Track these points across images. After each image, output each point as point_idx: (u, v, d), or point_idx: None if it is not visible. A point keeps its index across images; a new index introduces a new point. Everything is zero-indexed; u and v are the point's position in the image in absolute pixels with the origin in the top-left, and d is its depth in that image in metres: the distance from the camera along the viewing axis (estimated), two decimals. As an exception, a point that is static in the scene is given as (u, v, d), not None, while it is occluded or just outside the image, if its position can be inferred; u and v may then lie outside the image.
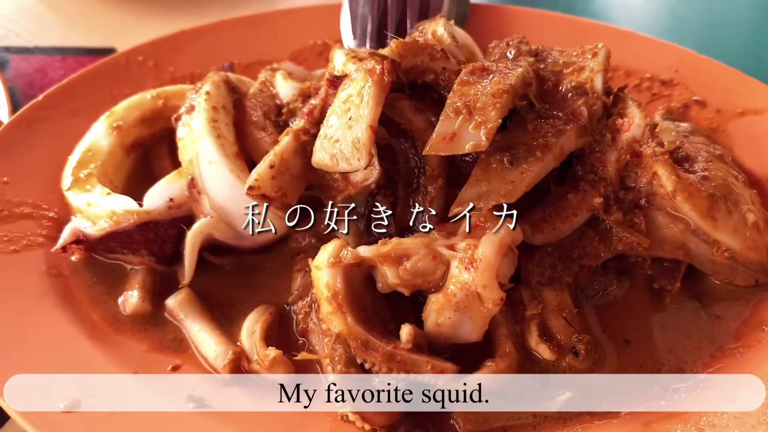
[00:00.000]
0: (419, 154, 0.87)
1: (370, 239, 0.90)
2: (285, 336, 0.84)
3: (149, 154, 1.01)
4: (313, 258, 0.82)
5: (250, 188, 0.83)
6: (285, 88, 0.96)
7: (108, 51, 1.31)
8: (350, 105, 0.80)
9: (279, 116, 0.95)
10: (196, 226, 0.85)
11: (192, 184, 0.87)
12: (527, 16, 1.19)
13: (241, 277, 0.90)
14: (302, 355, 0.77)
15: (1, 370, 0.75)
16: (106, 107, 1.04)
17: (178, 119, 0.91)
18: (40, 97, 1.04)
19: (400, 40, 0.84)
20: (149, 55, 1.12)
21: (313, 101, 0.91)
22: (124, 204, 0.86)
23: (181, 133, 0.89)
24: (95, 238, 0.86)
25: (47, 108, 1.04)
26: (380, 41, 1.11)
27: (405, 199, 0.89)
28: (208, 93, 0.90)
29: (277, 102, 0.96)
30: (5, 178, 0.95)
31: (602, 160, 0.86)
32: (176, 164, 0.96)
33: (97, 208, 0.87)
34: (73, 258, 0.89)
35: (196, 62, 1.13)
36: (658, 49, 1.11)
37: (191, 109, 0.89)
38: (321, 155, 0.82)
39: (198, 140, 0.87)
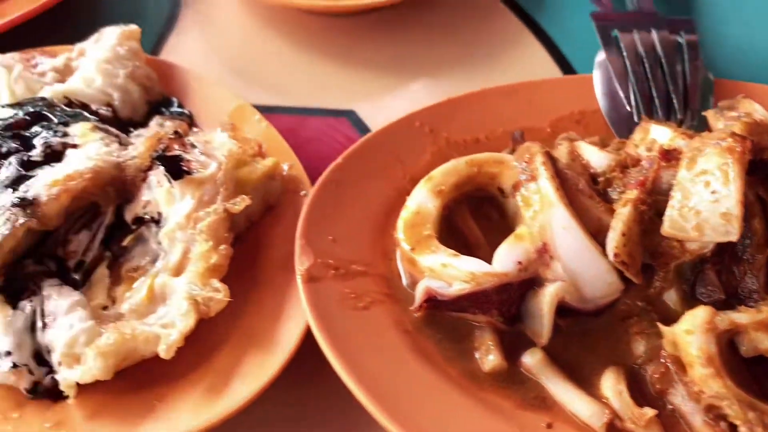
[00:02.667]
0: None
1: (693, 303, 0.96)
2: (637, 396, 0.89)
3: (453, 215, 1.06)
4: (644, 321, 0.89)
5: (615, 255, 0.89)
6: (598, 158, 1.03)
7: (348, 113, 1.38)
8: (709, 179, 0.87)
9: (595, 185, 1.01)
10: (552, 290, 0.90)
11: (544, 248, 0.92)
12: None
13: (577, 338, 0.95)
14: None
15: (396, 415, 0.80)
16: (396, 170, 1.11)
17: (517, 186, 0.97)
18: (340, 159, 1.10)
19: (747, 120, 0.92)
20: (425, 121, 1.18)
21: (636, 171, 0.97)
22: (480, 266, 0.91)
23: (527, 200, 0.95)
24: (450, 298, 0.91)
25: (346, 170, 1.09)
26: (647, 113, 1.18)
27: (729, 267, 0.95)
28: (544, 162, 0.96)
29: (590, 171, 1.03)
30: (331, 237, 1.01)
31: None
32: (480, 225, 1.03)
33: (454, 270, 0.92)
34: (415, 315, 0.94)
35: (466, 128, 1.20)
36: None
37: (533, 177, 0.95)
38: (680, 225, 0.88)
39: (549, 207, 0.93)
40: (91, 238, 0.99)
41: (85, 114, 1.15)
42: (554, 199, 0.93)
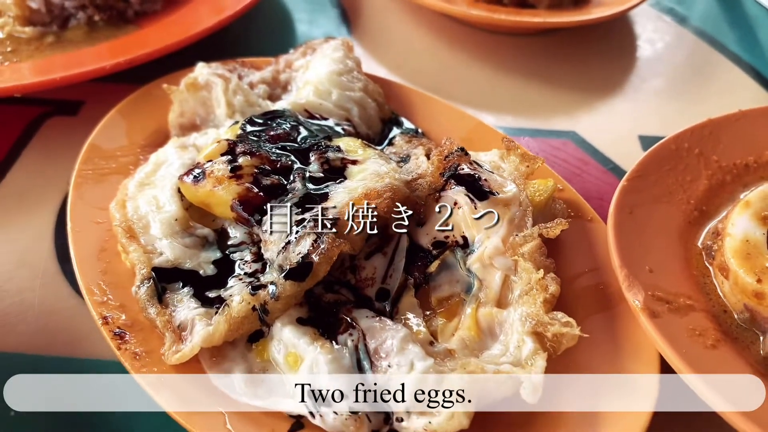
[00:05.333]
0: None
1: None
2: None
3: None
4: None
5: None
6: None
7: (569, 133, 1.29)
8: None
9: None
10: None
11: None
12: None
13: None
14: None
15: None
16: (678, 194, 1.02)
17: None
18: (624, 182, 1.00)
19: None
20: (692, 143, 1.09)
21: None
22: None
23: None
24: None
25: (633, 193, 1.00)
26: None
27: None
28: None
29: None
30: (648, 267, 0.90)
31: None
32: None
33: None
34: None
35: (733, 151, 1.11)
36: None
37: None
38: None
39: None
40: (388, 263, 0.88)
41: (336, 129, 1.05)
42: None
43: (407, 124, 1.16)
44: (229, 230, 0.93)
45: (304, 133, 0.99)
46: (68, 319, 0.95)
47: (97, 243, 0.94)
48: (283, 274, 0.80)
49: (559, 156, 1.24)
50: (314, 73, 1.15)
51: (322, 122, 1.06)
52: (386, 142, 1.11)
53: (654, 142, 1.15)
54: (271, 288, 0.79)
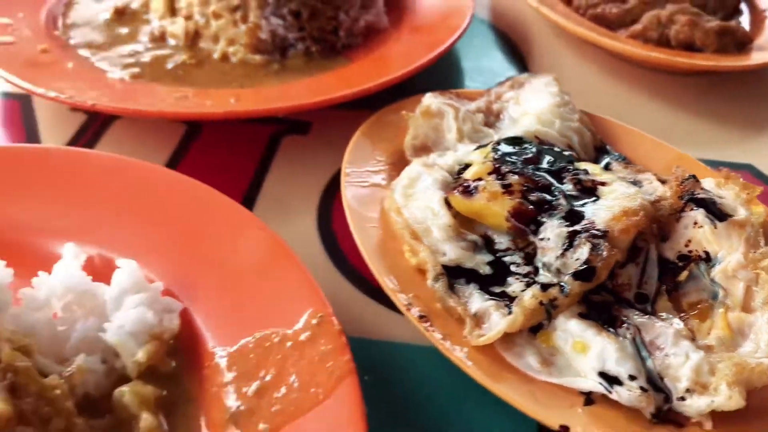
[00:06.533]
0: None
1: None
2: None
3: None
4: None
5: None
6: None
7: (746, 166, 1.44)
8: None
9: None
10: None
11: None
12: None
13: None
14: None
15: None
16: None
17: None
18: None
19: None
20: None
21: None
22: None
23: None
24: None
25: None
26: None
27: None
28: None
29: None
30: None
31: None
32: None
33: None
34: None
35: None
36: None
37: None
38: None
39: None
40: (641, 272, 1.03)
41: (566, 154, 1.21)
42: None
43: (612, 152, 1.32)
44: (493, 237, 1.09)
45: (548, 157, 1.15)
46: (357, 308, 1.12)
47: (378, 244, 1.11)
48: (571, 275, 0.95)
49: (740, 186, 1.38)
50: (533, 105, 1.32)
51: (552, 148, 1.22)
52: (602, 166, 1.27)
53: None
54: (564, 286, 0.95)
